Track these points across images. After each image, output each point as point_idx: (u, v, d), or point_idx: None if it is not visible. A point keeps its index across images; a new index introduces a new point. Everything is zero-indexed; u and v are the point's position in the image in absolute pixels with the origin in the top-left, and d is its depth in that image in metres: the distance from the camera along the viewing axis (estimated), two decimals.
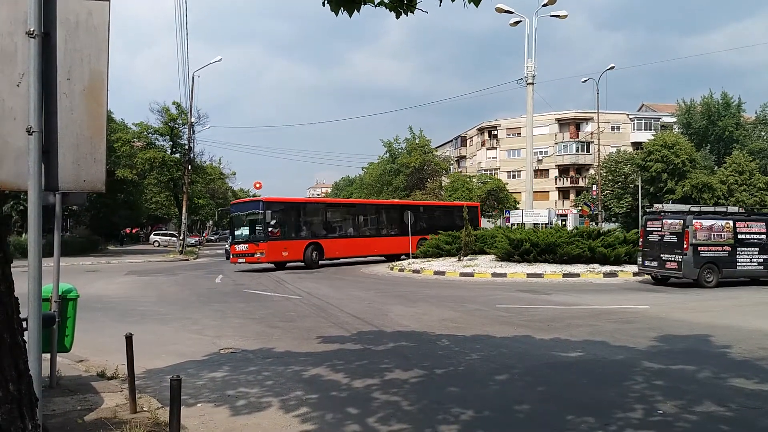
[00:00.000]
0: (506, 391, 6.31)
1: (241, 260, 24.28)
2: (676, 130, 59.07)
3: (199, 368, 7.32)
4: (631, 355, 7.93)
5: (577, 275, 19.73)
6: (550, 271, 20.18)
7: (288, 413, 5.54)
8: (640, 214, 46.84)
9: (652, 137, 54.20)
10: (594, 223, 44.52)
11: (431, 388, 6.44)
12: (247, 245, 23.97)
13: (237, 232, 25.44)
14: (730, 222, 17.14)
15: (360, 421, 5.30)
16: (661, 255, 17.31)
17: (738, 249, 17.02)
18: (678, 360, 7.60)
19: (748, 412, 5.49)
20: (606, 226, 39.59)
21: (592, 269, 20.57)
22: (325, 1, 4.73)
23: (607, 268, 20.69)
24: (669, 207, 19.17)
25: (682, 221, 16.98)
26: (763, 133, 59.52)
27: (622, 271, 20.47)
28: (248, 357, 8.00)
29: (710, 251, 16.79)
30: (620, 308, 12.49)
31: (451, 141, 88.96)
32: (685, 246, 16.60)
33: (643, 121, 70.55)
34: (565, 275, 19.71)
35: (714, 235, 16.93)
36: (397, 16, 5.49)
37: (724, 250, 16.92)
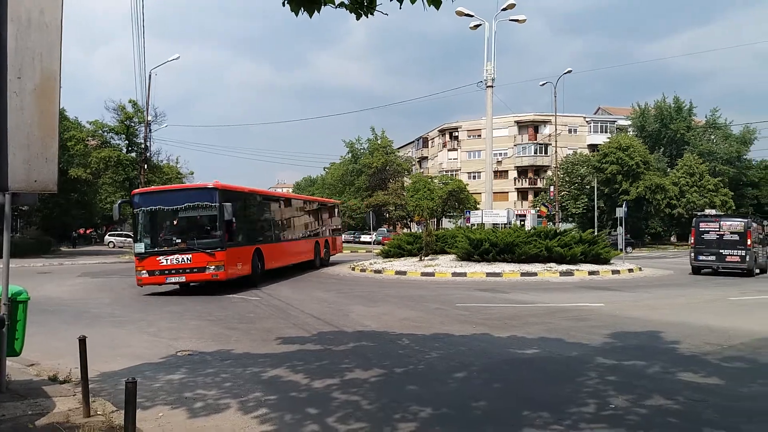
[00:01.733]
0: (464, 389, 6.40)
1: (173, 279, 15.80)
2: (631, 132, 60.72)
3: (155, 371, 7.20)
4: (585, 351, 8.14)
5: (535, 274, 20.11)
6: (509, 270, 20.50)
7: (247, 414, 5.51)
8: (596, 214, 48.02)
9: (608, 140, 55.60)
10: (551, 224, 45.40)
11: (391, 387, 6.49)
12: (189, 255, 15.59)
13: (159, 237, 16.48)
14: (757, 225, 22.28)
15: (319, 421, 5.30)
16: (721, 251, 21.07)
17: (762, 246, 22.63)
18: (630, 356, 7.84)
19: (695, 404, 5.71)
20: (563, 227, 40.46)
21: (549, 268, 20.99)
22: (285, 1, 4.73)
23: (564, 267, 21.15)
24: (712, 212, 25.39)
25: (743, 223, 21.39)
26: (712, 137, 61.73)
27: (577, 270, 20.96)
28: (206, 359, 7.90)
29: (755, 248, 21.44)
30: (575, 306, 12.79)
31: (413, 142, 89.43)
32: (748, 243, 20.81)
33: (599, 124, 72.28)
34: (523, 274, 20.06)
35: (759, 235, 22.24)
36: (358, 18, 5.52)
37: (760, 248, 22.28)
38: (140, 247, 15.82)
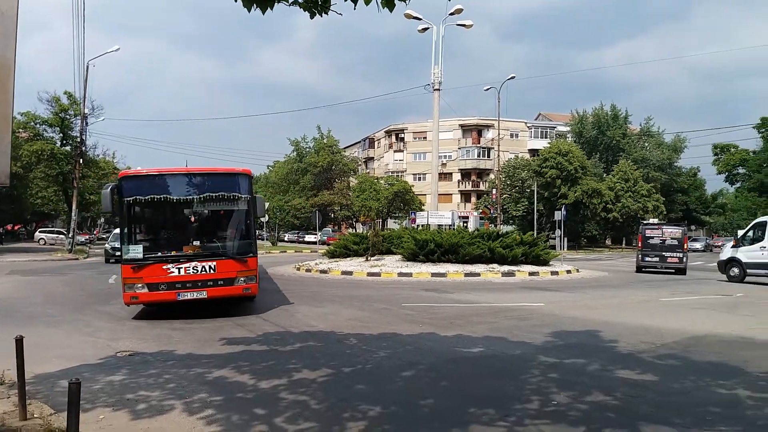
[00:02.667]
0: (412, 387, 6.46)
1: (190, 295, 11.14)
2: (570, 138, 62.70)
3: (94, 372, 6.94)
4: (527, 350, 8.36)
5: (478, 275, 20.48)
6: (453, 270, 20.80)
7: (192, 415, 5.39)
8: (535, 217, 49.32)
9: (548, 145, 57.23)
10: (493, 226, 46.34)
11: (339, 386, 6.48)
12: (212, 263, 11.22)
13: (163, 237, 12.38)
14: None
15: (267, 421, 5.25)
16: (663, 253, 24.54)
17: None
18: (570, 354, 8.10)
19: (631, 400, 5.96)
20: (504, 229, 41.38)
21: (491, 269, 21.42)
22: None
23: (506, 268, 21.62)
24: (655, 221, 27.06)
25: (680, 231, 25.36)
26: (646, 144, 64.46)
27: (519, 270, 21.48)
28: (148, 360, 7.69)
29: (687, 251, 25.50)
30: (518, 306, 13.11)
31: (360, 142, 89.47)
32: (684, 247, 24.77)
33: (539, 130, 74.30)
34: (466, 275, 20.40)
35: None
36: (311, 16, 5.49)
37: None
38: (135, 252, 10.99)
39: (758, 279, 20.14)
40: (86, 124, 36.75)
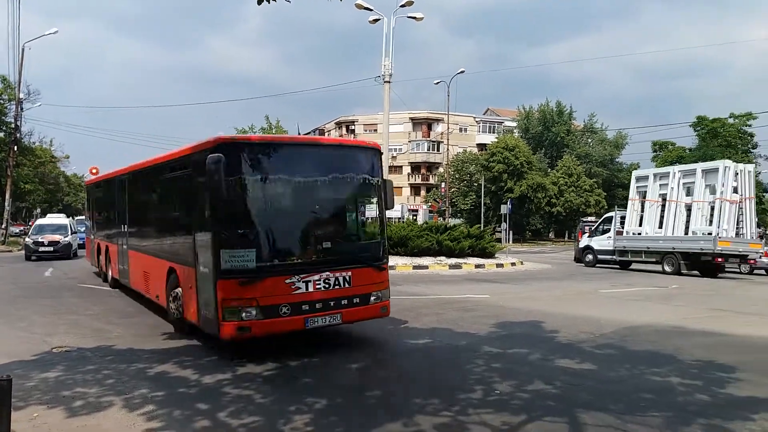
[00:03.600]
0: (359, 379, 6.49)
1: (323, 321, 7.63)
2: (516, 134, 63.89)
3: (27, 369, 6.66)
4: (473, 340, 8.50)
5: (426, 267, 20.69)
6: (402, 263, 20.94)
7: (132, 412, 5.25)
8: (482, 210, 50.14)
9: (496, 140, 58.17)
10: (441, 219, 46.86)
11: (285, 380, 6.44)
12: (347, 274, 7.84)
13: (281, 235, 7.89)
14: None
15: (210, 416, 5.17)
16: None
17: None
18: (513, 344, 8.29)
19: (571, 388, 6.15)
20: (452, 222, 41.90)
21: (439, 261, 21.68)
22: None
23: (453, 261, 21.92)
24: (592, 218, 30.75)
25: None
26: (589, 140, 66.37)
27: (465, 263, 21.81)
28: (85, 355, 7.43)
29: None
30: (464, 298, 13.32)
31: (309, 133, 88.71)
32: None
33: (487, 125, 75.41)
34: (415, 267, 20.57)
35: None
36: (259, 2, 5.40)
37: None
38: (244, 258, 7.09)
39: (606, 263, 24.11)
40: (21, 109, 35.11)
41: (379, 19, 23.49)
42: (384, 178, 8.69)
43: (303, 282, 7.41)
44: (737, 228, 20.99)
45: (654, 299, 14.09)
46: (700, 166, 22.56)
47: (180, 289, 8.61)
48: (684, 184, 22.16)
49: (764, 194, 56.55)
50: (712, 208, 21.07)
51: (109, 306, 11.67)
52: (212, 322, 7.24)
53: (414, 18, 23.81)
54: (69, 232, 25.31)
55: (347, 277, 7.79)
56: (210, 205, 7.31)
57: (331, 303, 7.62)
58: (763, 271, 23.94)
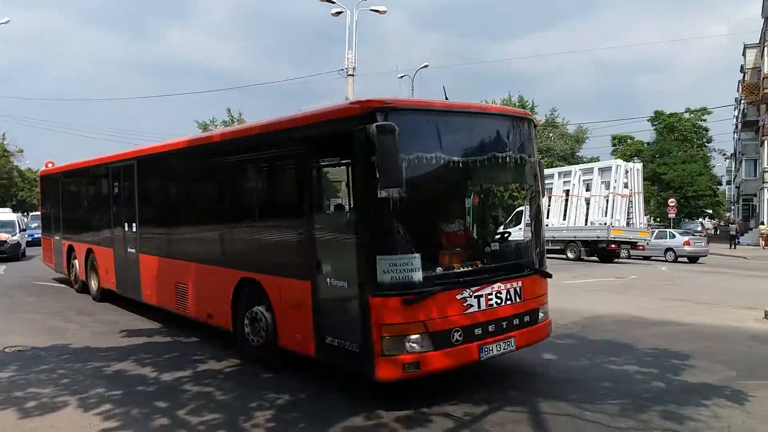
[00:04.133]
0: (323, 374, 6.40)
1: (497, 348, 5.68)
2: None
3: None
4: None
5: None
6: None
7: (88, 411, 5.13)
8: None
9: None
10: None
11: (247, 376, 6.37)
12: (517, 284, 5.93)
13: (439, 232, 6.32)
14: None
15: (169, 414, 5.08)
16: None
17: None
18: None
19: (531, 378, 6.21)
20: None
21: None
22: None
23: None
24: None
25: None
26: (551, 134, 67.41)
27: None
28: (39, 355, 7.22)
29: None
30: None
31: None
32: None
33: None
34: None
35: None
36: None
37: None
38: (408, 267, 5.17)
39: None
40: None
41: (341, 12, 23.37)
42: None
43: (474, 297, 5.49)
44: (628, 218, 24.11)
45: (615, 289, 14.41)
46: (597, 165, 26.10)
47: (262, 308, 6.47)
48: (584, 180, 25.25)
49: (718, 187, 58.46)
50: (607, 202, 24.10)
51: (68, 304, 11.35)
52: (356, 357, 5.23)
53: (377, 11, 23.77)
54: (17, 230, 22.84)
55: (518, 289, 5.91)
56: (362, 194, 5.21)
57: (504, 324, 5.72)
58: (685, 259, 25.55)
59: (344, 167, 5.57)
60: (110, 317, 9.87)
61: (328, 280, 5.60)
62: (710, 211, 59.37)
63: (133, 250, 9.67)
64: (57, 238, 13.83)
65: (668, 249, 25.72)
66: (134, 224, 9.64)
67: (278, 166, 6.86)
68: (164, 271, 8.81)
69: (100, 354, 7.27)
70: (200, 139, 9.62)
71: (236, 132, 8.38)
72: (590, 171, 25.55)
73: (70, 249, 12.83)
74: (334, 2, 22.99)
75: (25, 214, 34.19)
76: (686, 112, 55.37)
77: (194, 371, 6.49)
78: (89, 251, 11.62)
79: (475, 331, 5.45)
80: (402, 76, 48.22)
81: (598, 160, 62.43)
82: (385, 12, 23.92)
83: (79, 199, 13.05)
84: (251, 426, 4.86)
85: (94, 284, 11.59)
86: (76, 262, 12.48)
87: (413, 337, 5.06)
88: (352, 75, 24.74)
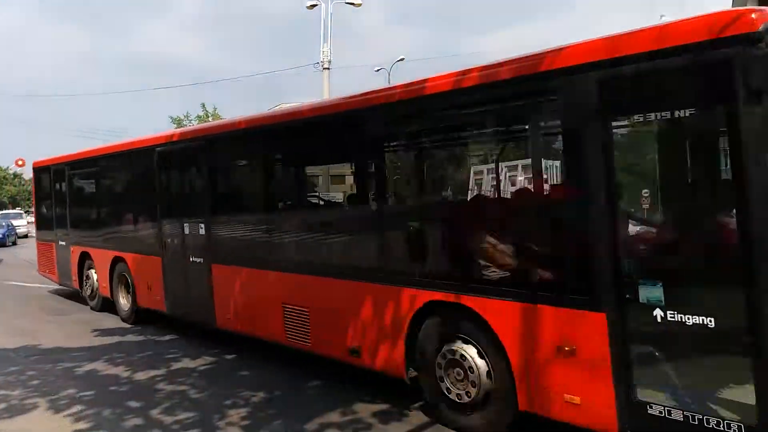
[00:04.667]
0: (298, 371, 6.35)
1: None
2: None
3: None
4: None
5: None
6: None
7: (59, 413, 5.06)
8: None
9: None
10: None
11: (221, 374, 6.32)
12: None
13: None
14: None
15: (142, 414, 5.03)
16: None
17: None
18: None
19: None
20: None
21: None
22: None
23: None
24: None
25: None
26: None
27: None
28: (8, 356, 7.10)
29: None
30: None
31: None
32: None
33: None
34: None
35: None
36: None
37: None
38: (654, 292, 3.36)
39: None
40: None
41: (316, 5, 23.21)
42: None
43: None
44: None
45: None
46: None
47: (470, 347, 4.40)
48: None
49: None
50: None
51: (40, 303, 11.17)
52: None
53: (352, 4, 23.65)
54: None
55: None
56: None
57: None
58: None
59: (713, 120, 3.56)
60: (84, 316, 9.73)
61: (664, 313, 3.34)
62: None
63: (199, 260, 7.27)
64: (62, 243, 11.09)
65: None
66: (201, 225, 7.21)
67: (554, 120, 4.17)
68: (260, 288, 6.50)
69: (72, 354, 7.16)
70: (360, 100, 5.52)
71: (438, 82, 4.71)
72: None
73: (84, 257, 10.29)
74: None
75: None
76: None
77: (168, 370, 6.43)
78: (117, 260, 9.19)
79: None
80: (378, 70, 48.19)
81: None
82: (360, 5, 23.82)
83: (99, 194, 10.37)
84: (226, 424, 4.82)
85: (124, 302, 9.14)
86: (94, 273, 10.02)
87: None
88: (328, 69, 24.62)
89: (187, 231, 7.50)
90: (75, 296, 10.93)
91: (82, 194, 10.95)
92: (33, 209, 12.30)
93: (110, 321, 9.26)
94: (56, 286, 12.11)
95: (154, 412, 5.07)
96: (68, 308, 10.62)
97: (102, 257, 9.61)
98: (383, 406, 5.14)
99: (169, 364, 6.63)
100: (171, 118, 41.95)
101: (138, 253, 8.65)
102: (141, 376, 6.18)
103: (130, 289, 8.90)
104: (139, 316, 8.85)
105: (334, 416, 4.97)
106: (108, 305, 9.67)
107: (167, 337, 8.08)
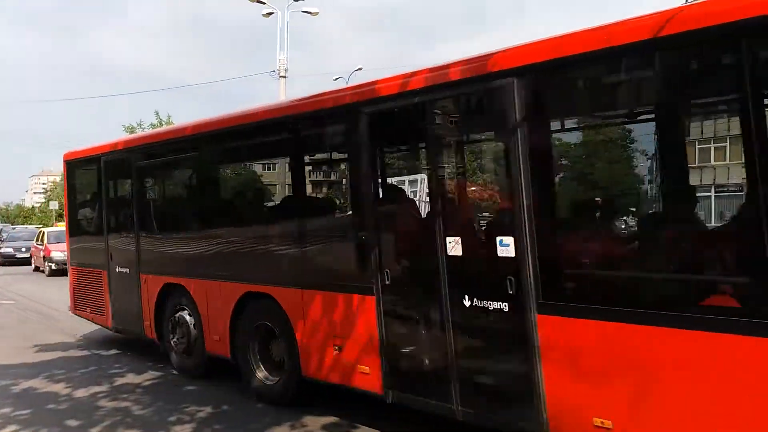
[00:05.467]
0: (240, 384, 6.20)
1: None
2: None
3: None
4: None
5: None
6: None
7: None
8: None
9: None
10: None
11: (167, 389, 6.15)
12: None
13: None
14: None
15: None
16: None
17: None
18: None
19: None
20: None
21: None
22: None
23: None
24: None
25: None
26: None
27: None
28: None
29: None
30: None
31: None
32: None
33: None
34: None
35: None
36: None
37: None
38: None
39: None
40: None
41: (272, 13, 23.06)
42: None
43: None
44: None
45: None
46: None
47: None
48: None
49: None
50: None
51: None
52: None
53: (309, 12, 23.58)
54: None
55: None
56: None
57: None
58: None
59: None
60: (24, 331, 9.35)
61: None
62: None
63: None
64: (122, 270, 7.58)
65: None
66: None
67: None
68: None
69: (9, 371, 6.84)
70: None
71: None
72: None
73: (167, 292, 6.85)
74: (263, 2, 22.64)
75: None
76: None
77: (111, 386, 6.21)
78: (249, 298, 5.68)
79: None
80: (336, 79, 48.13)
81: None
82: (317, 14, 23.78)
83: (200, 195, 6.80)
84: None
85: (261, 375, 5.68)
86: (190, 319, 6.53)
87: None
88: (285, 77, 24.46)
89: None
90: (11, 308, 10.45)
91: (165, 196, 7.89)
92: (65, 219, 9.46)
93: (53, 335, 8.90)
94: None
95: (94, 431, 4.88)
96: (6, 321, 10.15)
97: (211, 294, 6.19)
98: (332, 419, 5.08)
99: (113, 380, 6.41)
100: (123, 126, 40.87)
101: (329, 291, 4.95)
102: (82, 393, 5.95)
103: (279, 353, 5.54)
104: (305, 397, 5.38)
105: (283, 430, 4.88)
106: (211, 367, 6.44)
107: (112, 352, 7.83)
